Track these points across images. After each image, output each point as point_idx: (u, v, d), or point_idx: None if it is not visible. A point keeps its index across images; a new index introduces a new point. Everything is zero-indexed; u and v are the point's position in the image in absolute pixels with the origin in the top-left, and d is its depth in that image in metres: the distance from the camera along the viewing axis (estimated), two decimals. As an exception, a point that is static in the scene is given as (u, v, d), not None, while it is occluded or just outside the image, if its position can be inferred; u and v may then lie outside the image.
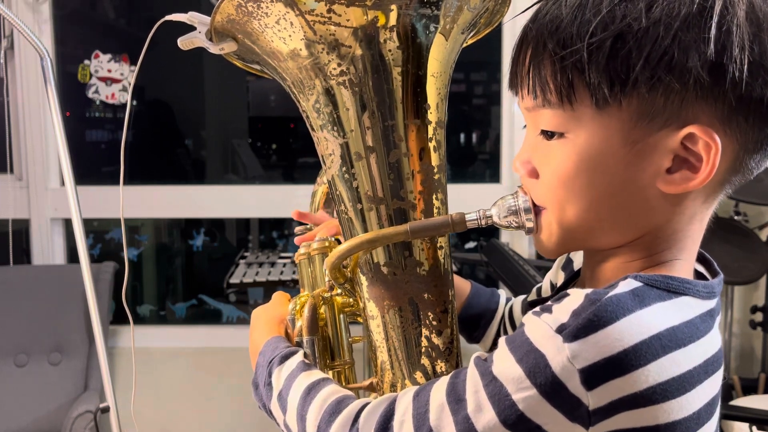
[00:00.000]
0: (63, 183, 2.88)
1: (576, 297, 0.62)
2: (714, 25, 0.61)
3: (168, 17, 0.78)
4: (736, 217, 2.73)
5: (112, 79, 3.03)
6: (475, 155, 3.45)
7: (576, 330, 0.59)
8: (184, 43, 0.79)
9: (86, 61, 3.01)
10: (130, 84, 3.01)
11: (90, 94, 3.03)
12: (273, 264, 3.04)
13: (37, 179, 2.97)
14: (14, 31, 2.88)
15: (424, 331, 0.78)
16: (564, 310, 0.61)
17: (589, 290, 0.62)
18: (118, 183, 3.11)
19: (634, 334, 0.59)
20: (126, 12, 3.40)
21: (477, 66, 3.38)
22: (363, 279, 0.80)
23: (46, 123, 2.94)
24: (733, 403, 2.44)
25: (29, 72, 2.92)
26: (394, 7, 0.72)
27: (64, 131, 1.86)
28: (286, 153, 3.51)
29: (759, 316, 2.78)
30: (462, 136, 3.48)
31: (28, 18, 2.90)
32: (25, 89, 2.93)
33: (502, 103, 3.01)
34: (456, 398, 0.65)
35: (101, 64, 3.02)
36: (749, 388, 2.73)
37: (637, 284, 0.64)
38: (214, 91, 3.50)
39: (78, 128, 3.17)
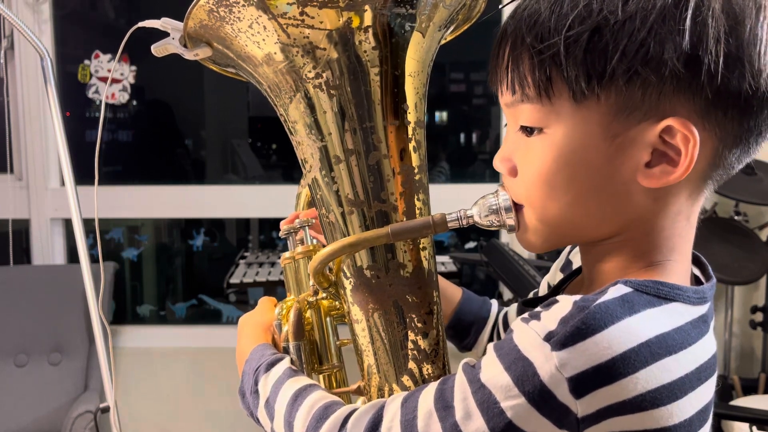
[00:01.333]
0: (63, 183, 2.88)
1: (564, 304, 0.61)
2: (689, 16, 0.61)
3: (141, 24, 0.77)
4: (736, 217, 2.73)
5: (113, 79, 3.03)
6: (475, 155, 3.45)
7: (564, 338, 0.59)
8: (158, 50, 0.78)
9: (86, 61, 3.02)
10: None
11: (90, 94, 3.04)
12: (273, 264, 3.04)
13: (37, 179, 2.98)
14: (14, 31, 2.89)
15: (410, 334, 0.78)
16: (552, 317, 0.61)
17: (577, 297, 0.62)
18: (118, 183, 3.13)
19: (622, 342, 0.59)
20: (126, 12, 3.40)
21: (477, 66, 3.38)
22: (346, 283, 0.79)
23: (46, 123, 2.94)
24: (733, 403, 2.43)
25: (29, 72, 2.92)
26: (368, 7, 0.71)
27: (64, 131, 1.85)
28: (286, 153, 3.51)
29: (759, 316, 2.78)
30: (462, 136, 3.48)
31: (28, 18, 2.90)
32: (25, 89, 2.93)
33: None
34: (444, 405, 0.64)
35: (101, 64, 3.03)
36: (749, 388, 2.73)
37: (626, 290, 0.63)
38: (214, 91, 3.50)
39: (78, 128, 3.18)
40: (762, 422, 1.93)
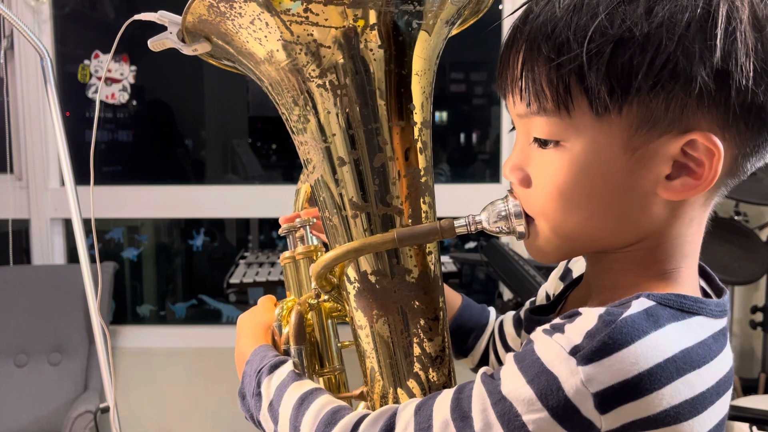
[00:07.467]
0: (63, 183, 2.88)
1: (589, 317, 0.60)
2: (720, 31, 0.59)
3: (137, 16, 0.75)
4: (736, 217, 2.73)
5: (112, 79, 3.03)
6: (475, 155, 3.45)
7: (590, 353, 0.58)
8: (155, 44, 0.76)
9: (86, 61, 3.01)
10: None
11: (90, 94, 3.04)
12: (273, 264, 3.05)
13: (37, 179, 2.97)
14: (14, 31, 2.88)
15: (415, 340, 0.76)
16: (577, 330, 0.60)
17: (602, 310, 0.61)
18: (118, 183, 3.13)
19: (649, 358, 0.58)
20: (126, 12, 3.39)
21: (477, 66, 3.38)
22: (350, 288, 0.77)
23: (46, 123, 2.94)
24: (733, 403, 2.43)
25: (29, 72, 2.91)
26: (373, 4, 0.69)
27: (64, 131, 1.85)
28: (286, 153, 3.51)
29: (759, 316, 2.77)
30: (462, 136, 3.48)
31: (28, 18, 2.89)
32: (25, 89, 2.93)
33: (502, 103, 2.99)
34: (461, 415, 0.63)
35: (101, 64, 3.02)
36: (749, 388, 2.73)
37: (650, 303, 0.62)
38: (214, 91, 3.50)
39: (78, 128, 3.17)
40: (762, 422, 1.92)
